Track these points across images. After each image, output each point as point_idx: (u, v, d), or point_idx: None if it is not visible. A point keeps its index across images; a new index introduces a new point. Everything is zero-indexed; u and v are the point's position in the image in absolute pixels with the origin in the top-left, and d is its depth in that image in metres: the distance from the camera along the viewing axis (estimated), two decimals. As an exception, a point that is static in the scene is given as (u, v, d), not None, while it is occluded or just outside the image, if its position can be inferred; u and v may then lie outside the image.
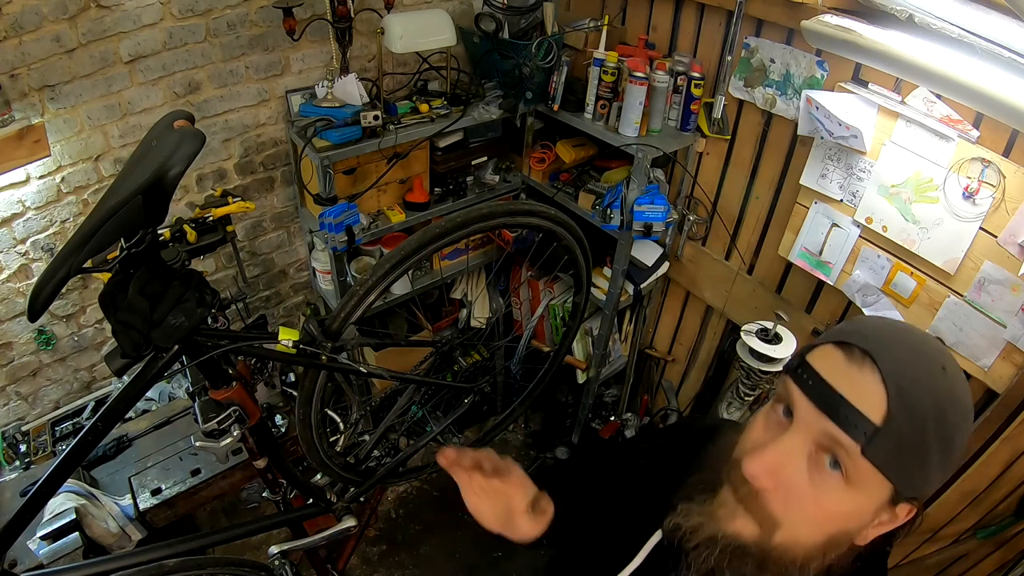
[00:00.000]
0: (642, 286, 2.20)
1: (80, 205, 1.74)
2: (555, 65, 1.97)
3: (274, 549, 1.44)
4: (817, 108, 1.54)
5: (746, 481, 0.59)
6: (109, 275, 0.93)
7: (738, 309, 2.11)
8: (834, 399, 0.54)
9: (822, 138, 1.61)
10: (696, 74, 1.82)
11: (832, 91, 1.57)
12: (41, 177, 1.62)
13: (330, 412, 1.70)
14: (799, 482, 0.57)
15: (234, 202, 1.19)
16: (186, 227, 1.10)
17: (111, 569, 1.16)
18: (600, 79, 1.87)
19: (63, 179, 1.67)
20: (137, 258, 0.92)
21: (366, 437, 1.64)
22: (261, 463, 1.37)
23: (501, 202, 1.98)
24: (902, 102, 1.45)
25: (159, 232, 0.98)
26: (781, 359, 1.69)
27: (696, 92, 1.85)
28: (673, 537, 0.65)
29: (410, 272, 2.16)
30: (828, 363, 0.57)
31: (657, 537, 0.71)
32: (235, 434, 1.17)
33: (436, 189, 2.16)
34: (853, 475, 0.54)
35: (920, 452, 0.54)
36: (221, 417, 1.14)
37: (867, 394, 0.54)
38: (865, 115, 1.51)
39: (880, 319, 0.66)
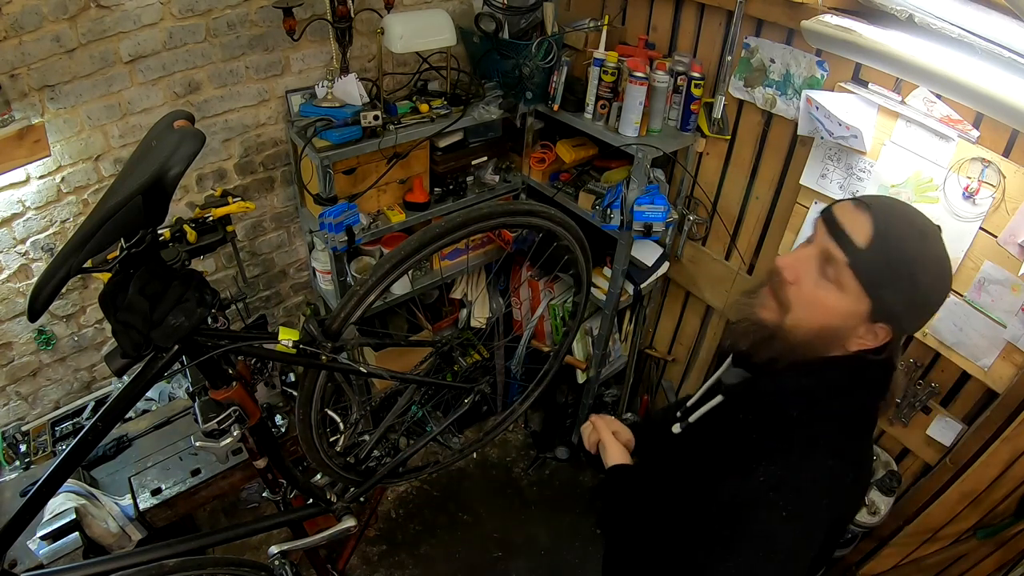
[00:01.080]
0: (642, 286, 2.20)
1: (80, 205, 1.74)
2: (555, 65, 1.97)
3: (274, 549, 1.44)
4: (817, 108, 1.54)
5: (777, 273, 0.86)
6: (109, 275, 0.93)
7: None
8: (837, 226, 0.81)
9: (822, 138, 1.61)
10: (696, 74, 1.82)
11: (832, 91, 1.57)
12: (41, 177, 1.62)
13: (330, 412, 1.70)
14: (808, 279, 0.83)
15: (234, 202, 1.19)
16: (186, 227, 1.10)
17: (111, 569, 1.16)
18: (600, 79, 1.87)
19: (63, 179, 1.67)
20: (137, 258, 0.92)
21: (366, 437, 1.63)
22: (261, 463, 1.37)
23: (501, 202, 1.98)
24: (902, 102, 1.45)
25: (159, 232, 0.98)
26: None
27: (696, 92, 1.85)
28: (730, 321, 1.00)
29: (410, 272, 2.16)
30: (842, 209, 0.84)
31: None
32: (235, 434, 1.17)
33: (436, 189, 2.16)
34: (842, 282, 0.80)
35: (891, 279, 0.78)
36: (221, 417, 1.14)
37: (859, 227, 0.80)
38: (865, 115, 1.51)
39: (891, 197, 0.91)
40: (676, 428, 1.04)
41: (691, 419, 1.00)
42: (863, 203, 0.81)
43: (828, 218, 0.83)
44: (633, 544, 1.02)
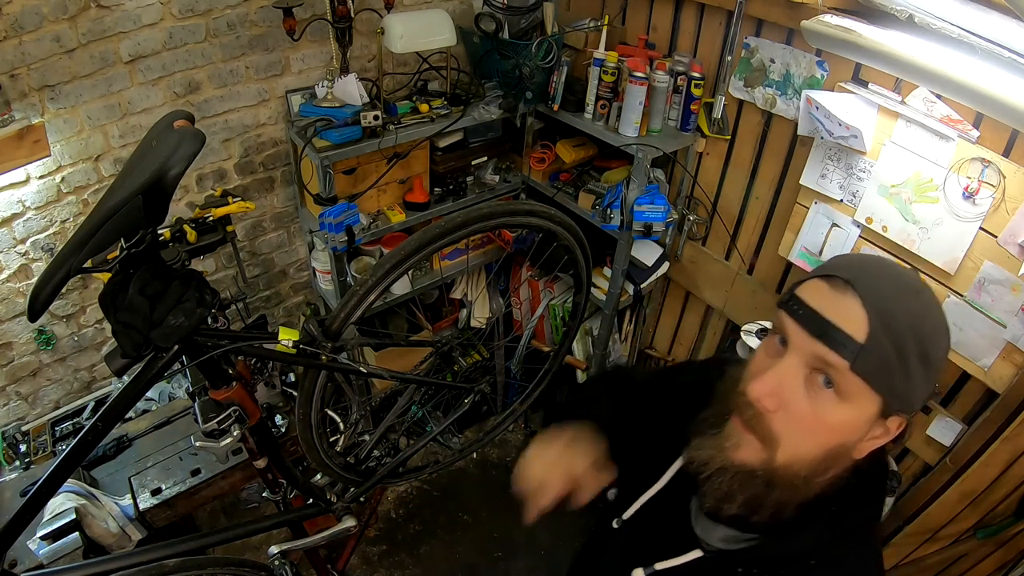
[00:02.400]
0: (642, 286, 2.20)
1: (80, 205, 1.74)
2: (555, 65, 1.97)
3: (274, 549, 1.43)
4: (817, 108, 1.54)
5: (751, 406, 0.64)
6: (109, 275, 0.93)
7: (738, 309, 2.11)
8: (822, 324, 0.61)
9: (822, 138, 1.61)
10: (696, 74, 1.82)
11: (832, 91, 1.57)
12: (41, 177, 1.62)
13: (330, 412, 1.70)
14: (797, 400, 0.62)
15: (234, 202, 1.19)
16: (186, 227, 1.10)
17: (111, 569, 1.16)
18: (600, 79, 1.87)
19: (63, 179, 1.67)
20: (137, 258, 0.92)
21: (366, 437, 1.63)
22: (261, 463, 1.37)
23: (501, 202, 1.98)
24: (902, 102, 1.45)
25: (159, 232, 0.98)
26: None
27: (696, 92, 1.85)
28: (689, 468, 0.71)
29: (410, 272, 2.16)
30: (814, 293, 0.63)
31: (680, 463, 0.77)
32: (235, 434, 1.17)
33: (436, 189, 2.16)
34: (844, 390, 0.60)
35: (902, 365, 0.59)
36: (221, 417, 1.14)
37: (850, 317, 0.60)
38: (865, 115, 1.51)
39: (860, 255, 0.77)
40: (639, 574, 0.77)
41: (658, 568, 0.75)
42: (841, 281, 0.61)
43: (806, 314, 0.62)
44: None
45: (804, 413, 0.62)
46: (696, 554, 0.72)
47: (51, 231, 1.71)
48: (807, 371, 0.62)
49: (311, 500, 1.51)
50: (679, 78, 1.85)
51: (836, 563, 0.67)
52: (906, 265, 1.55)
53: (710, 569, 0.72)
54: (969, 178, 1.37)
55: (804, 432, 0.63)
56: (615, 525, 0.86)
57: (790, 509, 0.66)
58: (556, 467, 0.97)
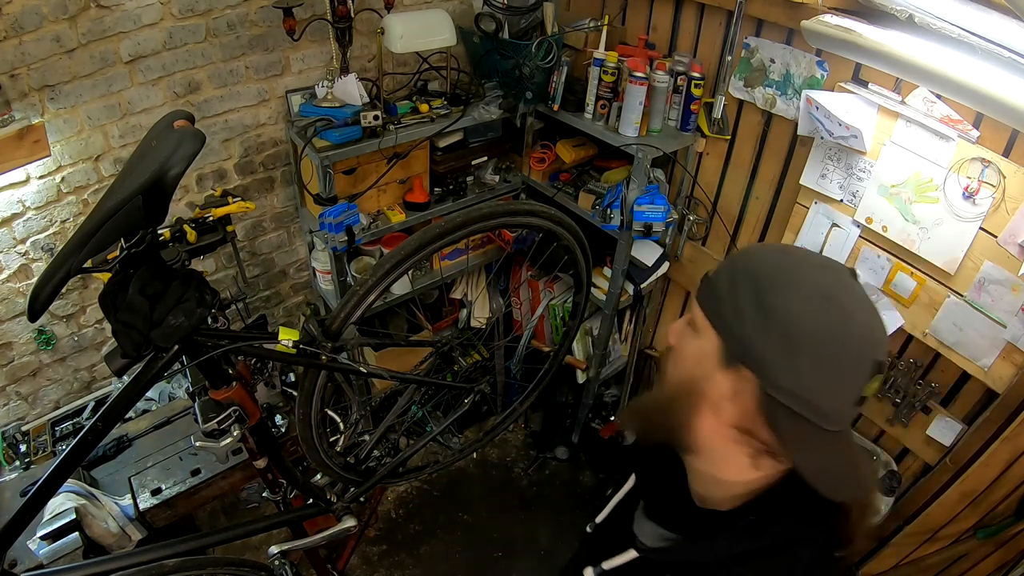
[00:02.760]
0: (642, 286, 2.20)
1: (80, 205, 1.74)
2: (555, 65, 1.97)
3: (274, 549, 1.44)
4: (817, 108, 1.54)
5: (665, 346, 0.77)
6: (109, 275, 0.93)
7: (738, 309, 2.11)
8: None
9: (822, 138, 1.61)
10: (696, 74, 1.82)
11: (832, 91, 1.57)
12: (41, 177, 1.62)
13: (330, 412, 1.70)
14: (678, 333, 0.72)
15: (234, 202, 1.19)
16: (186, 227, 1.10)
17: (111, 569, 1.16)
18: (600, 79, 1.87)
19: (63, 179, 1.67)
20: (137, 258, 0.92)
21: (366, 437, 1.63)
22: (261, 463, 1.37)
23: (501, 202, 1.98)
24: (902, 102, 1.45)
25: (159, 232, 0.98)
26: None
27: (696, 92, 1.85)
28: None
29: (410, 272, 2.16)
30: None
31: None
32: (235, 434, 1.17)
33: (436, 189, 2.16)
34: (694, 322, 0.69)
35: (732, 300, 0.64)
36: (221, 417, 1.14)
37: (713, 267, 0.70)
38: (865, 115, 1.51)
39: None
40: (589, 574, 0.80)
41: (605, 567, 0.79)
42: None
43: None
44: None
45: (677, 345, 0.72)
46: (632, 554, 0.76)
47: (51, 231, 1.71)
48: (688, 319, 0.72)
49: (311, 500, 1.51)
50: (679, 78, 1.85)
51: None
52: (907, 265, 1.55)
53: (642, 570, 0.75)
54: (969, 178, 1.37)
55: (672, 360, 0.72)
56: (588, 530, 0.91)
57: (712, 522, 0.69)
58: None
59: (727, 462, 0.68)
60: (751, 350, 0.62)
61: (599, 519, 0.90)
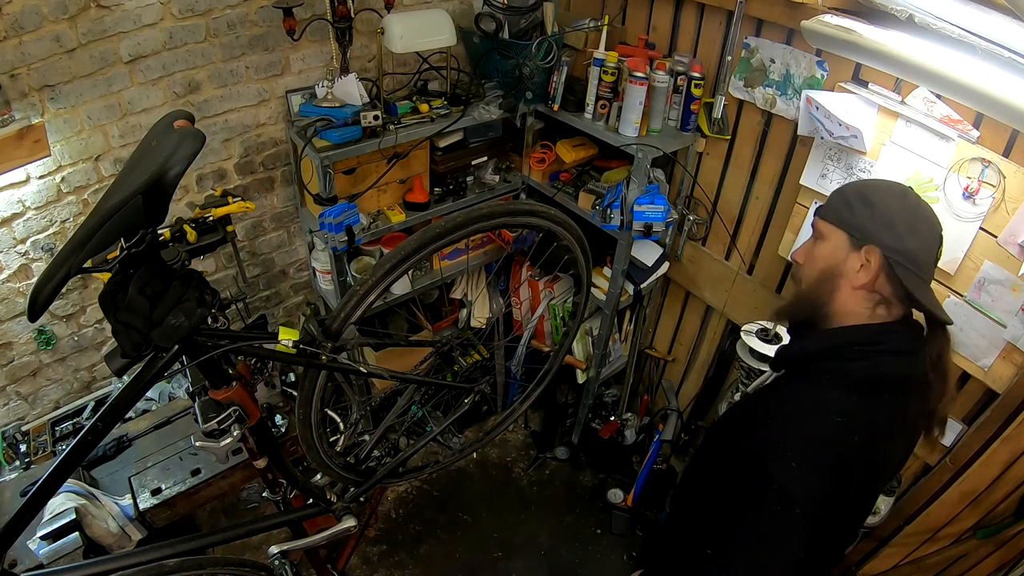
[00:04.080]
0: (642, 286, 2.20)
1: (80, 205, 1.74)
2: (555, 65, 1.97)
3: (274, 549, 1.43)
4: (817, 108, 1.54)
5: (793, 264, 1.22)
6: (109, 275, 0.93)
7: (738, 309, 2.11)
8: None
9: (822, 138, 1.61)
10: (696, 74, 1.82)
11: (832, 91, 1.57)
12: (41, 177, 1.62)
13: (330, 412, 1.70)
14: (806, 251, 1.07)
15: (234, 202, 1.19)
16: (186, 227, 1.10)
17: (111, 569, 1.16)
18: (600, 79, 1.87)
19: (63, 179, 1.67)
20: (137, 258, 0.92)
21: (366, 437, 1.63)
22: (261, 463, 1.37)
23: (501, 202, 1.98)
24: (902, 102, 1.45)
25: (159, 232, 0.98)
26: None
27: (696, 92, 1.85)
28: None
29: (410, 272, 2.16)
30: None
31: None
32: (235, 434, 1.17)
33: (436, 189, 2.16)
34: (820, 232, 1.04)
35: (847, 206, 0.99)
36: (221, 417, 1.14)
37: (827, 199, 1.07)
38: (865, 115, 1.51)
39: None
40: (736, 396, 1.25)
41: (749, 390, 1.25)
42: None
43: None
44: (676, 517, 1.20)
45: (809, 256, 1.05)
46: (767, 375, 1.23)
47: (51, 231, 1.71)
48: (814, 236, 1.06)
49: (311, 500, 1.51)
50: (679, 78, 1.85)
51: (818, 400, 0.96)
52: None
53: (775, 362, 1.13)
54: (969, 178, 1.37)
55: (809, 266, 1.05)
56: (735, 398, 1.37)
57: (816, 318, 1.03)
58: None
59: (855, 315, 0.99)
60: (868, 232, 0.96)
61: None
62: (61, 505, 1.51)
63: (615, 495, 2.53)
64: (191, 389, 1.56)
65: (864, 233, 0.95)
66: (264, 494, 1.50)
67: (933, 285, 1.49)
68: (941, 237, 0.97)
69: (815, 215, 1.04)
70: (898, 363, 0.95)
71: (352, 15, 1.79)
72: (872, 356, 0.94)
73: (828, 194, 1.63)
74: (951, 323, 0.96)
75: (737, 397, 1.93)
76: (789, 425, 0.93)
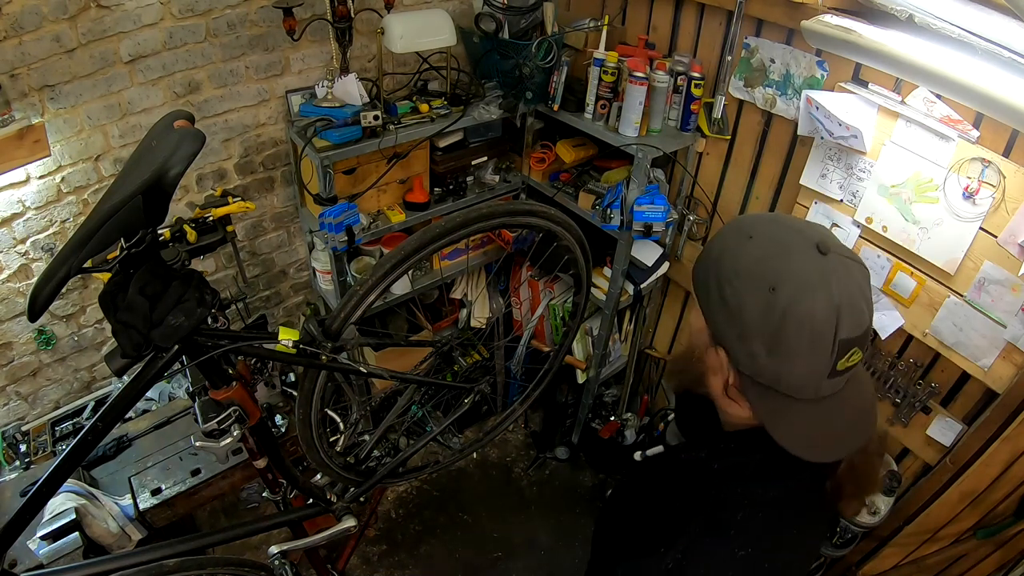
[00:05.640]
0: (642, 286, 2.20)
1: (80, 205, 1.74)
2: (555, 65, 1.97)
3: (274, 549, 1.43)
4: (817, 108, 1.54)
5: None
6: (109, 275, 0.93)
7: (738, 309, 2.11)
8: None
9: (822, 138, 1.61)
10: (696, 74, 1.82)
11: (832, 91, 1.57)
12: (41, 177, 1.62)
13: (330, 412, 1.70)
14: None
15: (234, 202, 1.19)
16: (186, 227, 1.10)
17: (111, 569, 1.16)
18: (600, 79, 1.87)
19: (63, 179, 1.67)
20: (137, 258, 0.92)
21: (366, 437, 1.63)
22: (261, 463, 1.37)
23: (501, 202, 1.98)
24: (902, 102, 1.45)
25: (159, 232, 0.98)
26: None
27: (696, 92, 1.85)
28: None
29: (410, 272, 2.16)
30: None
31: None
32: (235, 434, 1.17)
33: (436, 189, 2.16)
34: (694, 299, 0.78)
35: (707, 293, 0.73)
36: (221, 417, 1.14)
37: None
38: (865, 115, 1.51)
39: (778, 214, 0.92)
40: (637, 456, 1.06)
41: (648, 453, 1.05)
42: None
43: None
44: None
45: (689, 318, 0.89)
46: (660, 448, 1.02)
47: (51, 231, 1.71)
48: None
49: (311, 500, 1.51)
50: (679, 78, 1.85)
51: (722, 529, 0.77)
52: (906, 265, 1.55)
53: (666, 458, 1.01)
54: (969, 178, 1.37)
55: (690, 327, 0.84)
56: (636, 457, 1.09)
57: (696, 387, 0.83)
58: None
59: (733, 407, 0.78)
60: (720, 336, 0.73)
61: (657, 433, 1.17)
62: (61, 505, 1.51)
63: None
64: (191, 389, 1.56)
65: (717, 334, 0.73)
66: (264, 494, 1.50)
67: (933, 285, 1.51)
68: (846, 343, 0.66)
69: (692, 271, 0.81)
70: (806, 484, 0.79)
71: (352, 15, 1.79)
72: (779, 479, 0.77)
73: (828, 195, 1.67)
74: (830, 460, 0.76)
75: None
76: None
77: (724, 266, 0.71)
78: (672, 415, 1.10)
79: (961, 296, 1.46)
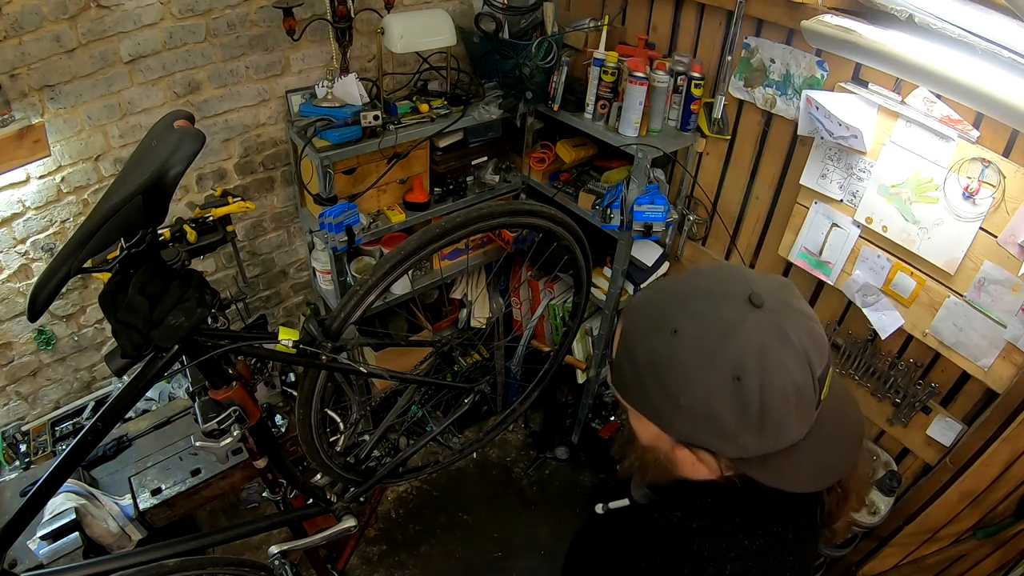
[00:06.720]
0: (642, 286, 2.20)
1: (80, 205, 1.74)
2: (555, 65, 1.97)
3: (274, 549, 1.44)
4: (817, 108, 1.54)
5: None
6: (109, 275, 0.93)
7: (738, 309, 2.11)
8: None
9: (822, 138, 1.61)
10: (696, 74, 1.82)
11: (832, 91, 1.57)
12: (41, 177, 1.62)
13: (330, 412, 1.70)
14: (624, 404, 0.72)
15: (234, 202, 1.19)
16: (186, 227, 1.10)
17: (111, 569, 1.16)
18: (600, 79, 1.87)
19: (63, 179, 1.67)
20: (137, 258, 0.92)
21: (366, 437, 1.63)
22: (261, 463, 1.37)
23: (501, 202, 1.98)
24: (902, 102, 1.45)
25: (159, 232, 0.98)
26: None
27: (696, 92, 1.85)
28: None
29: (410, 272, 2.16)
30: None
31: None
32: (235, 434, 1.17)
33: (436, 189, 2.16)
34: (626, 406, 0.71)
35: (641, 391, 0.65)
36: (221, 417, 1.14)
37: (615, 340, 0.70)
38: (865, 115, 1.51)
39: (677, 279, 0.74)
40: (599, 508, 0.97)
41: (610, 506, 0.97)
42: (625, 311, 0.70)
43: None
44: None
45: (629, 411, 0.72)
46: (625, 501, 0.91)
47: (51, 231, 1.71)
48: None
49: (311, 500, 1.51)
50: (679, 78, 1.85)
51: (706, 543, 0.72)
52: (906, 265, 1.55)
53: (631, 513, 0.90)
54: (969, 178, 1.37)
55: (635, 430, 0.73)
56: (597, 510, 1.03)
57: (662, 482, 0.76)
58: None
59: (705, 475, 0.71)
60: (691, 437, 0.64)
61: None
62: (61, 505, 1.51)
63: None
64: (191, 389, 1.56)
65: (684, 438, 0.65)
66: (264, 494, 1.50)
67: (933, 285, 1.51)
68: (820, 378, 0.62)
69: (611, 380, 0.72)
70: (789, 526, 0.74)
71: (352, 15, 1.79)
72: (761, 526, 0.72)
73: (828, 195, 1.67)
74: (837, 479, 0.72)
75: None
76: None
77: (666, 375, 0.61)
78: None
79: (961, 296, 1.46)
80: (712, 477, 0.70)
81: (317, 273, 2.16)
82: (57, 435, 1.84)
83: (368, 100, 1.88)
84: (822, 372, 0.61)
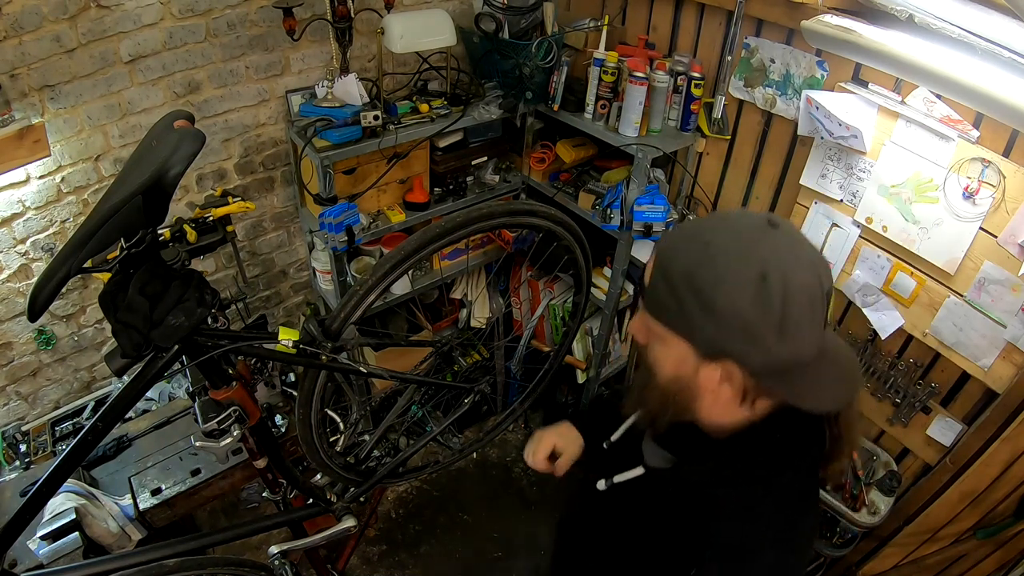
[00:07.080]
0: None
1: (80, 205, 1.74)
2: (555, 65, 1.97)
3: (274, 549, 1.44)
4: (817, 108, 1.54)
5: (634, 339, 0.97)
6: (109, 275, 0.93)
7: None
8: (639, 278, 0.78)
9: (822, 138, 1.61)
10: (696, 74, 1.82)
11: (832, 91, 1.57)
12: (41, 177, 1.62)
13: (330, 412, 1.70)
14: (643, 339, 0.79)
15: (234, 202, 1.19)
16: (186, 227, 1.10)
17: (111, 569, 1.16)
18: (600, 79, 1.87)
19: (63, 179, 1.67)
20: (137, 258, 0.92)
21: (366, 437, 1.63)
22: (261, 463, 1.37)
23: (501, 202, 1.98)
24: (902, 102, 1.45)
25: (159, 232, 0.98)
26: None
27: (696, 92, 1.85)
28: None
29: (410, 272, 2.16)
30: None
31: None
32: (235, 434, 1.17)
33: (436, 189, 2.16)
34: (655, 331, 0.75)
35: (682, 311, 0.69)
36: (221, 417, 1.14)
37: (647, 268, 0.75)
38: (865, 115, 1.51)
39: (699, 219, 0.86)
40: (601, 484, 0.94)
41: (616, 480, 0.93)
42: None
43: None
44: None
45: (651, 349, 0.78)
46: (639, 471, 0.89)
47: (51, 231, 1.71)
48: (643, 319, 0.77)
49: (311, 500, 1.51)
50: (679, 78, 1.85)
51: (757, 543, 0.76)
52: (907, 265, 1.55)
53: (646, 485, 0.88)
54: (969, 178, 1.37)
55: (654, 363, 0.78)
56: (604, 446, 1.03)
57: (685, 418, 0.79)
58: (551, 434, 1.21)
59: (727, 413, 0.77)
60: (720, 346, 0.69)
61: (614, 438, 1.00)
62: (61, 505, 1.51)
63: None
64: (191, 389, 1.56)
65: (713, 347, 0.70)
66: (264, 494, 1.50)
67: (933, 285, 1.51)
68: (827, 295, 0.69)
69: (644, 305, 0.77)
70: (811, 472, 0.81)
71: (352, 15, 1.79)
72: (787, 474, 0.78)
73: (828, 195, 1.67)
74: (846, 403, 0.76)
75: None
76: None
77: (699, 278, 0.67)
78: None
79: (961, 296, 1.46)
80: (730, 417, 0.76)
81: (317, 273, 2.16)
82: (57, 435, 1.84)
83: (368, 100, 1.88)
84: (828, 289, 0.68)
